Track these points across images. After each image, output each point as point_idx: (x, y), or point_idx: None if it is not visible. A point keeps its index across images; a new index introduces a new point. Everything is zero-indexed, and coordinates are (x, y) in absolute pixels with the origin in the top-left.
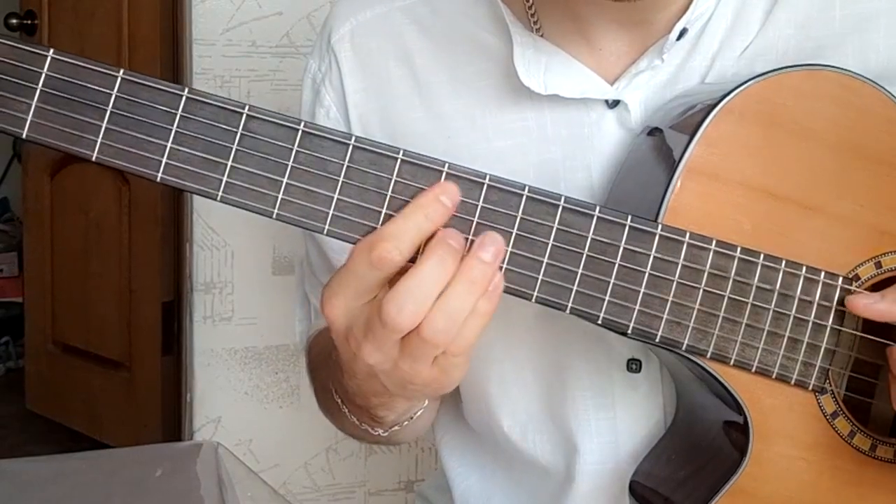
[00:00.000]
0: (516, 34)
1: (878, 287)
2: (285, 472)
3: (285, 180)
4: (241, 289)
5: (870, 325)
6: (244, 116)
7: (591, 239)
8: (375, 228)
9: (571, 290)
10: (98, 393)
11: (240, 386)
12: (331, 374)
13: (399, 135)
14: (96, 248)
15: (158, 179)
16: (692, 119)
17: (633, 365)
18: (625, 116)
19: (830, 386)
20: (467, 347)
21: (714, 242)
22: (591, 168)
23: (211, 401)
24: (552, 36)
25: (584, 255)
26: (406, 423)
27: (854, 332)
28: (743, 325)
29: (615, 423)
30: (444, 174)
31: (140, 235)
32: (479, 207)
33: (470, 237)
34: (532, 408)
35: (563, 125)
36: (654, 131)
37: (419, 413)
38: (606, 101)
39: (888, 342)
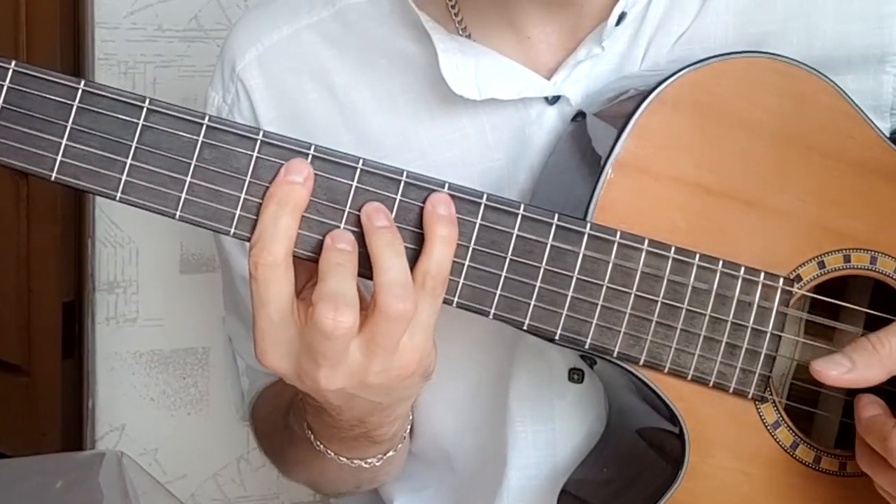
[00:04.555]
0: (438, 41)
1: (820, 288)
2: (194, 483)
3: (188, 179)
4: (146, 288)
5: (813, 330)
6: (144, 110)
7: (516, 239)
8: None
9: (495, 294)
10: None
11: (145, 392)
12: (298, 423)
13: None
14: None
15: (53, 178)
16: (623, 108)
17: (575, 375)
18: (567, 112)
19: (771, 395)
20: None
21: (646, 242)
22: (534, 169)
23: (114, 407)
24: (478, 32)
25: (508, 257)
26: (399, 446)
27: (795, 337)
28: (678, 331)
29: (554, 435)
30: (357, 170)
31: (39, 231)
32: (397, 205)
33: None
34: (477, 420)
35: (502, 129)
36: (577, 116)
37: (405, 436)
38: (546, 98)
39: (832, 348)
